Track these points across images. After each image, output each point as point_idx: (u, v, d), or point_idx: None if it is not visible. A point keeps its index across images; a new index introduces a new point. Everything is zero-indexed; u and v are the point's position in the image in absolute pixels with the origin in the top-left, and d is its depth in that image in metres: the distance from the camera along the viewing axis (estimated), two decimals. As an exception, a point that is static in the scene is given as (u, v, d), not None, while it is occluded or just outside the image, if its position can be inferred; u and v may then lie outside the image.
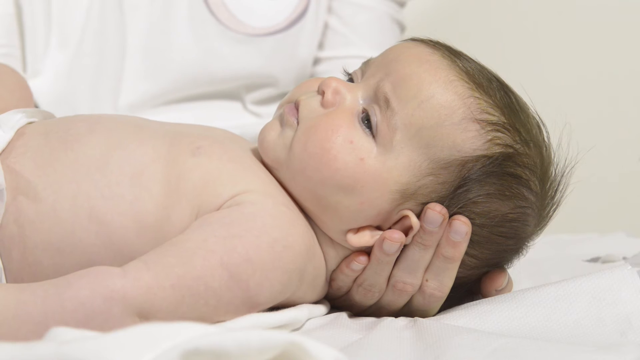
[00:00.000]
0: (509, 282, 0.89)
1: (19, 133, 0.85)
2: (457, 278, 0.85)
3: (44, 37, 1.21)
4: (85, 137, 0.84)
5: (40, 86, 1.20)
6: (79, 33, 1.22)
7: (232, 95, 1.31)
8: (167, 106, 1.27)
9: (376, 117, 0.82)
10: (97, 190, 0.80)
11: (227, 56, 1.27)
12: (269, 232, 0.78)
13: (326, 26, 1.34)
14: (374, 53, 0.91)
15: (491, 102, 0.83)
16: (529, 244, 0.89)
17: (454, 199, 0.82)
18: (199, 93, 1.29)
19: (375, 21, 1.35)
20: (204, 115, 1.27)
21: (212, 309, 0.76)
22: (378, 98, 0.83)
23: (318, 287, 0.86)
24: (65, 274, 0.76)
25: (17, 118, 0.86)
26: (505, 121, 0.83)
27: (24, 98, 1.02)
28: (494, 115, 0.82)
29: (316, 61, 1.35)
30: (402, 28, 1.40)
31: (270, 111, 1.29)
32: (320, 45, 1.35)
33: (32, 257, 0.79)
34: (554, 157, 0.87)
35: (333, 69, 1.30)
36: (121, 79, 1.24)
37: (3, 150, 0.83)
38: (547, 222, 0.89)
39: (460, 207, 0.82)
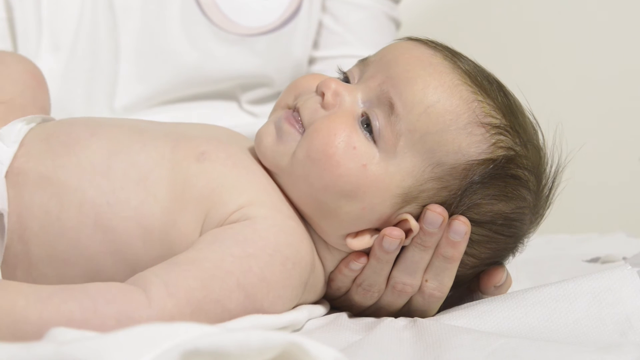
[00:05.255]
0: (508, 277, 0.89)
1: (20, 143, 0.83)
2: (456, 277, 0.85)
3: (35, 40, 1.21)
4: (87, 141, 0.83)
5: None
6: (71, 36, 1.22)
7: (227, 95, 1.31)
8: (162, 107, 1.27)
9: (378, 122, 0.82)
10: (102, 197, 0.79)
11: (221, 57, 1.26)
12: (282, 250, 0.78)
13: (321, 25, 1.34)
14: (369, 52, 0.91)
15: (493, 104, 0.83)
16: (524, 242, 0.89)
17: (458, 202, 0.82)
18: (194, 93, 1.28)
19: (370, 20, 1.34)
20: (199, 115, 1.27)
21: None
22: (381, 102, 0.83)
23: (317, 290, 0.86)
24: (70, 283, 0.74)
25: (17, 129, 0.84)
26: (506, 123, 0.83)
27: (31, 87, 0.95)
28: (496, 118, 0.83)
29: (311, 61, 1.35)
30: (397, 25, 1.39)
31: (266, 110, 1.29)
32: (315, 45, 1.34)
33: (36, 271, 0.79)
34: (549, 156, 0.87)
35: (328, 69, 1.30)
36: (116, 82, 1.24)
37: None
38: (542, 220, 0.89)
39: (463, 210, 0.82)
